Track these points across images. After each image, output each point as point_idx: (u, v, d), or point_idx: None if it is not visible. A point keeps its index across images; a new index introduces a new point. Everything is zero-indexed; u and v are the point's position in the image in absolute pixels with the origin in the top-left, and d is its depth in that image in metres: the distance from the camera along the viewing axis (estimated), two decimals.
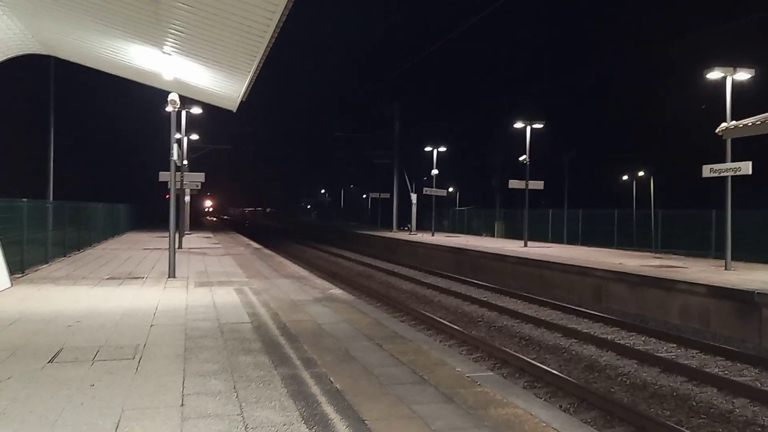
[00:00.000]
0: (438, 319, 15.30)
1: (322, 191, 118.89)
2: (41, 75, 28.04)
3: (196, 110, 29.95)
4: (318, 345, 8.11)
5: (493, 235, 41.49)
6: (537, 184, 31.31)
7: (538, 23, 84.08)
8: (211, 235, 40.65)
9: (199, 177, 31.01)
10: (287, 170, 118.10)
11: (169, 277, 15.29)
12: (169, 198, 16.43)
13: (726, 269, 18.22)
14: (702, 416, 8.83)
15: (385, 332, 9.12)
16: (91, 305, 11.05)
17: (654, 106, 58.23)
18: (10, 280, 13.44)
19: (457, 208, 51.96)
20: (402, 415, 5.51)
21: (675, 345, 12.96)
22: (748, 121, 15.47)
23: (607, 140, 63.41)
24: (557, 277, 20.87)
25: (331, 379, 6.53)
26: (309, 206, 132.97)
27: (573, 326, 14.74)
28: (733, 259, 18.73)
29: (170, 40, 11.60)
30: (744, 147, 18.38)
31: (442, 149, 41.63)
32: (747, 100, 18.71)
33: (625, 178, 63.18)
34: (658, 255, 24.91)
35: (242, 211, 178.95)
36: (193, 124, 36.14)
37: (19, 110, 46.73)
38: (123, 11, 10.55)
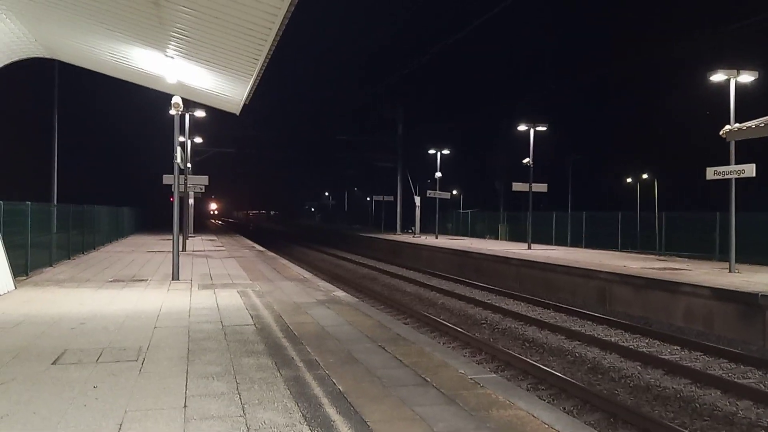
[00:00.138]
0: (441, 321, 15.29)
1: (326, 194, 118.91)
2: (45, 79, 28.17)
3: (200, 113, 30.00)
4: (321, 347, 8.11)
5: (496, 238, 41.46)
6: (541, 187, 31.29)
7: (541, 26, 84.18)
8: (214, 237, 40.70)
9: (203, 180, 31.04)
10: (291, 173, 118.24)
11: (172, 279, 15.32)
12: (172, 201, 16.46)
13: (730, 272, 18.19)
14: (706, 418, 8.80)
15: (388, 334, 9.12)
16: (95, 308, 11.07)
17: (657, 109, 58.22)
18: (14, 283, 13.48)
19: (461, 211, 51.90)
20: (404, 416, 5.51)
21: (679, 347, 12.94)
22: (752, 123, 15.45)
23: (611, 142, 63.43)
24: (561, 279, 20.85)
25: (334, 380, 6.54)
26: (313, 209, 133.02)
27: (577, 328, 14.72)
28: (737, 261, 18.69)
29: (173, 43, 11.62)
30: (747, 149, 18.34)
31: (446, 152, 41.61)
32: (751, 103, 18.69)
33: (629, 180, 63.12)
34: (661, 257, 24.87)
35: (246, 214, 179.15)
36: (197, 127, 36.21)
37: (24, 114, 46.88)
38: (126, 15, 10.57)
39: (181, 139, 23.67)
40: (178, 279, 15.36)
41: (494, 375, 7.85)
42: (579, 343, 13.38)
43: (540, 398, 7.98)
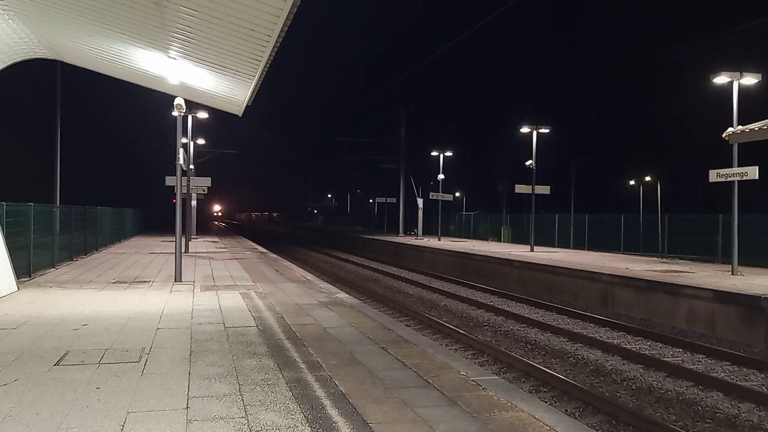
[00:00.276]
0: (443, 323, 15.29)
1: (329, 196, 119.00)
2: (48, 81, 28.19)
3: (202, 115, 30.05)
4: (323, 349, 8.11)
5: (499, 240, 41.43)
6: (543, 189, 31.27)
7: (544, 28, 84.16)
8: (217, 239, 40.73)
9: (206, 182, 31.08)
10: (293, 175, 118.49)
11: (175, 281, 15.34)
12: (175, 203, 16.48)
13: (732, 274, 18.16)
14: (708, 420, 8.79)
15: (390, 336, 9.12)
16: (98, 309, 11.08)
17: (660, 111, 58.20)
18: (17, 284, 13.50)
19: (464, 213, 51.92)
20: (406, 418, 5.51)
21: (681, 350, 12.92)
22: (755, 125, 15.44)
23: (614, 145, 63.39)
24: (563, 281, 20.83)
25: (336, 382, 6.54)
26: (315, 211, 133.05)
27: (579, 331, 14.71)
28: (740, 263, 18.65)
29: (175, 44, 11.64)
30: (749, 151, 18.31)
31: (448, 154, 41.58)
32: (754, 105, 18.66)
33: (631, 182, 63.04)
34: (664, 260, 24.83)
35: (249, 216, 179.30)
36: (200, 128, 36.25)
37: (27, 115, 46.98)
38: (128, 15, 10.59)
39: (184, 140, 23.68)
40: (180, 280, 15.38)
41: (496, 377, 7.83)
42: (581, 345, 13.36)
43: (542, 400, 7.98)
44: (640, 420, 8.40)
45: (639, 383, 10.54)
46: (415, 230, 46.36)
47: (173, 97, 15.60)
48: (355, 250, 44.54)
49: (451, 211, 51.71)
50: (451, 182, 47.34)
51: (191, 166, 29.18)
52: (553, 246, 33.89)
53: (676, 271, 19.20)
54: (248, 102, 15.43)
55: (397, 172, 51.20)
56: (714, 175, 18.63)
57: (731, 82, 18.29)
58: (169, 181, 25.75)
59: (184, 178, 23.79)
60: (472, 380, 6.74)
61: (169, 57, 12.44)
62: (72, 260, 20.81)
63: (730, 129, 16.67)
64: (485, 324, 15.96)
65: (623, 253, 28.64)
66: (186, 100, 16.31)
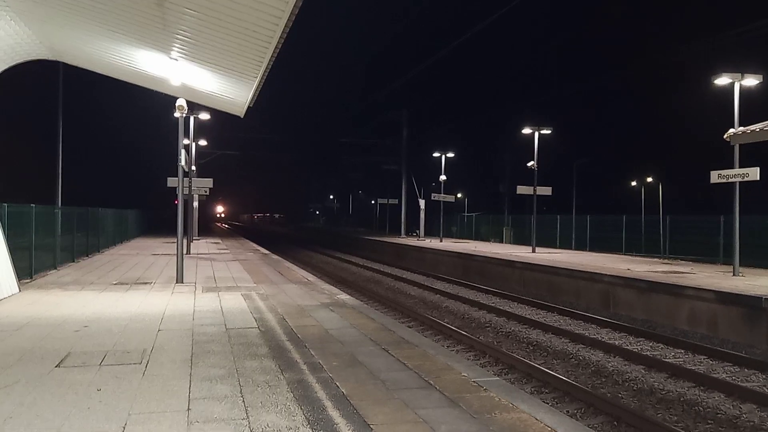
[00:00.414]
0: (445, 324, 15.29)
1: (330, 197, 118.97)
2: (50, 82, 28.24)
3: (204, 116, 30.07)
4: (324, 350, 8.12)
5: (501, 241, 41.40)
6: (545, 190, 31.25)
7: (546, 29, 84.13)
8: (219, 240, 40.75)
9: (208, 183, 31.13)
10: (295, 176, 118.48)
11: (176, 282, 15.35)
12: (177, 204, 16.49)
13: (734, 275, 18.14)
14: (709, 421, 8.78)
15: (391, 337, 9.12)
16: (99, 310, 11.09)
17: (662, 112, 58.18)
18: (19, 286, 13.51)
19: (466, 214, 51.86)
20: (407, 419, 5.51)
21: (682, 350, 12.91)
22: (756, 126, 15.43)
23: (615, 146, 63.36)
24: (565, 282, 20.82)
25: (337, 383, 6.54)
26: (317, 212, 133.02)
27: (581, 332, 14.70)
28: (742, 264, 18.63)
29: (177, 45, 11.67)
30: (751, 153, 18.28)
31: (450, 155, 41.56)
32: (755, 106, 18.63)
33: (633, 183, 63.04)
34: (666, 261, 24.80)
35: (251, 217, 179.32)
36: (202, 129, 36.22)
37: (29, 116, 47.05)
38: (130, 16, 10.62)
39: (186, 141, 23.70)
40: (182, 282, 15.38)
41: (498, 378, 7.83)
42: (583, 346, 13.36)
43: (543, 401, 7.97)
44: (641, 421, 8.39)
45: (640, 384, 10.53)
46: (417, 231, 46.35)
47: (175, 99, 15.62)
48: (356, 251, 44.53)
49: (452, 213, 51.69)
50: (453, 183, 47.37)
51: (193, 167, 29.21)
52: (554, 247, 33.85)
53: (678, 272, 19.18)
54: (250, 103, 15.47)
55: (398, 173, 51.23)
56: (715, 177, 18.60)
57: (732, 83, 18.26)
58: (171, 182, 25.80)
59: (186, 179, 23.80)
60: (474, 381, 6.74)
61: (171, 58, 12.46)
62: (73, 261, 20.83)
63: (732, 130, 16.66)
64: (487, 325, 15.95)
65: (625, 254, 28.61)
66: (188, 102, 16.33)
